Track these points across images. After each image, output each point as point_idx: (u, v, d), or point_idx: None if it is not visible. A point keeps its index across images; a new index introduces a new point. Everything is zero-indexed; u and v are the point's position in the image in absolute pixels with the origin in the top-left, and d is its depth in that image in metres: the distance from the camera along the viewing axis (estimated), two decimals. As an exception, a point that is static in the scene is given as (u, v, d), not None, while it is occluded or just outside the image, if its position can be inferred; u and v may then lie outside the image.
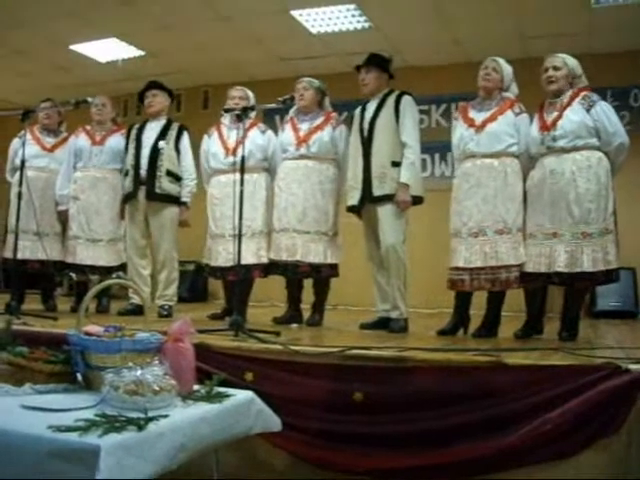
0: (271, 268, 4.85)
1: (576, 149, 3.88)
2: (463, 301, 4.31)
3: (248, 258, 4.62)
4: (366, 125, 4.60)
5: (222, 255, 4.90)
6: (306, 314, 4.99)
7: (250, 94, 5.12)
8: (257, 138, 4.93)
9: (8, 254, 4.80)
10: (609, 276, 3.88)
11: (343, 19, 6.78)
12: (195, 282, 7.98)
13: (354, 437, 2.92)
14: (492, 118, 4.16)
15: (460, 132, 4.29)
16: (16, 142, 5.39)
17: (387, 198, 4.48)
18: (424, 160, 7.49)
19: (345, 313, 6.20)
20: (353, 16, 6.69)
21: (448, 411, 2.85)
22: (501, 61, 4.28)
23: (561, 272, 3.85)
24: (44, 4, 6.35)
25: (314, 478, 2.94)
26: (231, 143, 4.92)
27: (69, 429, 1.85)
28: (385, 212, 4.50)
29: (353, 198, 4.64)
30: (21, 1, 6.26)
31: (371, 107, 4.64)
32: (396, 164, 4.47)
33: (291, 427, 2.80)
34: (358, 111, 4.75)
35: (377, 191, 4.49)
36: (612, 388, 2.69)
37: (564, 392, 2.73)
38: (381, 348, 3.26)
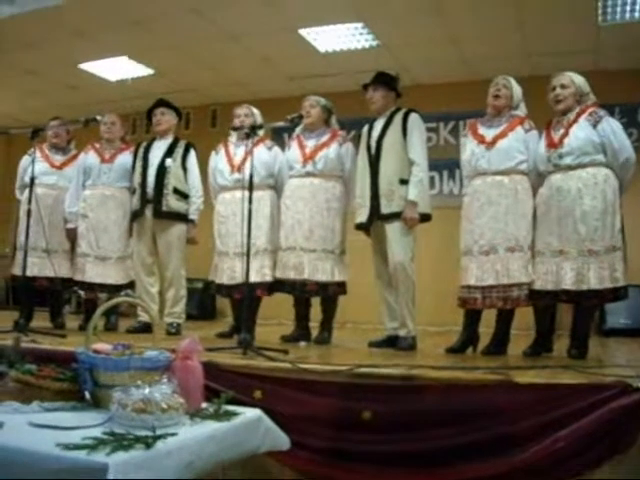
0: (278, 286, 4.85)
1: (582, 166, 3.88)
2: (472, 319, 4.29)
3: (251, 276, 4.61)
4: (373, 143, 4.61)
5: (226, 273, 4.92)
6: (314, 332, 4.97)
7: (255, 111, 5.15)
8: (263, 155, 4.93)
9: (17, 271, 4.82)
10: (617, 294, 3.84)
11: (351, 37, 6.85)
12: (203, 300, 7.98)
13: (363, 456, 2.89)
14: (502, 134, 4.16)
15: (471, 149, 4.29)
16: (25, 160, 5.42)
17: (395, 216, 4.47)
18: (432, 178, 7.50)
19: (353, 331, 6.19)
20: (361, 34, 6.74)
21: (457, 430, 2.82)
22: (512, 80, 4.29)
23: (568, 290, 3.83)
24: (54, 25, 6.44)
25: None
26: (237, 160, 4.97)
27: (77, 447, 1.85)
28: (393, 230, 4.49)
29: (361, 216, 4.64)
30: (31, 22, 6.35)
31: (378, 125, 4.65)
32: (404, 182, 4.47)
33: (299, 445, 2.78)
34: (366, 129, 4.76)
35: (385, 209, 4.49)
36: (623, 406, 2.66)
37: (574, 410, 2.70)
38: (389, 366, 3.24)
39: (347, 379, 3.07)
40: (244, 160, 4.77)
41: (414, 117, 4.59)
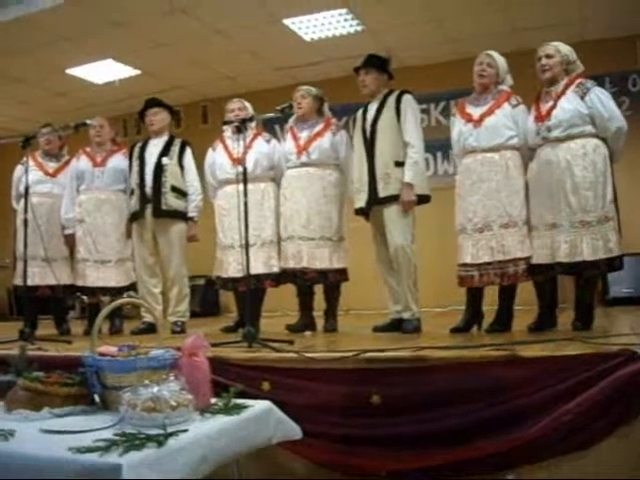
0: (282, 277, 4.86)
1: (571, 138, 3.87)
2: (475, 297, 4.30)
3: (259, 268, 4.64)
4: (368, 127, 4.60)
5: (232, 266, 4.90)
6: (319, 321, 4.98)
7: (248, 105, 5.15)
8: (262, 147, 4.95)
9: (18, 281, 4.82)
10: (612, 264, 3.84)
11: (336, 24, 6.81)
12: (206, 296, 7.98)
13: (374, 440, 2.90)
14: (490, 112, 4.15)
15: (459, 128, 4.28)
16: (19, 169, 5.41)
17: (392, 199, 4.47)
18: (427, 159, 7.47)
19: (358, 317, 6.19)
20: (345, 20, 6.72)
21: (467, 408, 2.83)
22: (495, 55, 4.28)
23: (562, 262, 3.83)
24: (37, 31, 6.40)
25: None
26: (237, 153, 4.92)
27: (89, 450, 1.86)
28: (391, 213, 4.50)
29: (360, 200, 4.64)
30: (13, 29, 6.31)
31: (372, 108, 4.64)
32: (399, 164, 4.47)
33: (310, 434, 2.78)
34: (360, 113, 4.75)
35: (382, 192, 4.49)
36: (629, 374, 2.67)
37: (581, 381, 2.72)
38: (396, 349, 3.25)
39: (354, 365, 3.08)
40: (244, 153, 4.76)
41: (407, 98, 4.58)
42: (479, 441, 2.76)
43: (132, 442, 1.91)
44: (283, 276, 4.85)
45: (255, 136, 4.91)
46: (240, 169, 4.33)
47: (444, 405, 2.87)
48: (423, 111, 7.67)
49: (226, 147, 5.10)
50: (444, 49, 7.29)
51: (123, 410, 2.20)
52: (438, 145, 7.40)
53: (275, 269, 4.83)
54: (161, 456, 1.90)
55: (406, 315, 4.51)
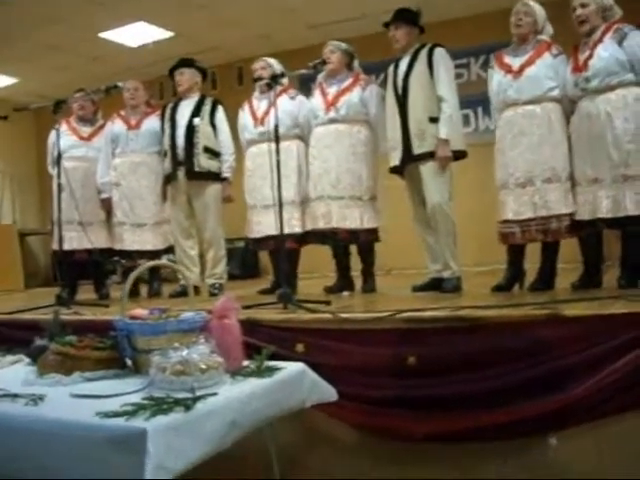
0: (310, 238, 4.81)
1: (610, 88, 3.68)
2: (516, 255, 4.18)
3: (276, 229, 4.59)
4: (400, 82, 4.45)
5: (257, 227, 4.91)
6: (358, 282, 4.91)
7: (272, 62, 5.07)
8: (286, 105, 4.83)
9: (55, 246, 4.84)
10: None
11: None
12: (246, 258, 7.99)
13: (410, 402, 2.84)
14: (530, 62, 3.98)
15: (498, 79, 4.12)
16: (53, 135, 5.39)
17: (428, 155, 4.34)
18: (467, 115, 7.34)
19: (398, 277, 6.11)
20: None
21: (507, 369, 2.74)
22: (532, 3, 4.10)
23: (604, 218, 3.70)
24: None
25: (372, 447, 2.89)
26: (260, 113, 4.92)
27: (116, 414, 1.84)
28: (427, 170, 4.37)
29: (394, 159, 4.52)
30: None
31: (403, 63, 4.49)
32: (434, 120, 4.33)
33: (345, 396, 2.74)
34: (391, 69, 4.60)
35: (417, 149, 4.36)
36: (679, 332, 2.56)
37: (627, 341, 2.60)
38: (433, 309, 3.16)
39: (390, 325, 3.01)
40: (267, 112, 4.69)
41: (439, 51, 4.43)
42: (519, 403, 2.67)
43: (159, 406, 1.89)
44: (308, 236, 4.80)
45: (280, 93, 4.76)
46: (262, 129, 4.25)
47: (483, 366, 2.78)
48: (463, 66, 7.52)
49: (251, 107, 5.05)
50: (484, 2, 7.03)
51: (152, 373, 2.18)
52: (478, 100, 7.14)
53: (297, 229, 4.77)
54: (189, 420, 1.87)
55: (446, 274, 4.42)
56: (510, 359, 2.77)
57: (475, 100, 7.10)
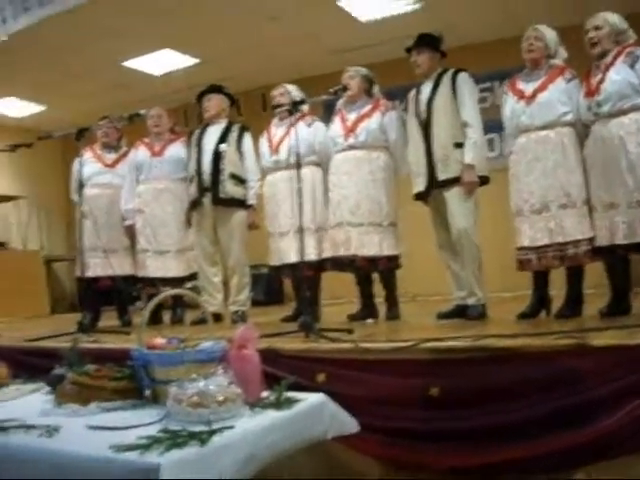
0: (327, 265, 4.77)
1: (623, 112, 3.62)
2: (540, 281, 4.11)
3: (294, 256, 4.58)
4: (423, 107, 4.42)
5: (276, 254, 4.93)
6: (382, 308, 4.85)
7: (291, 88, 5.08)
8: (302, 132, 4.73)
9: (79, 273, 4.86)
10: None
11: (393, 2, 6.61)
12: (270, 284, 7.94)
13: (433, 434, 2.77)
14: (542, 87, 3.94)
15: (511, 105, 4.11)
16: (77, 162, 5.44)
17: (453, 181, 4.30)
18: (491, 140, 7.25)
19: (423, 304, 6.03)
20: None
21: (532, 401, 2.67)
22: (542, 28, 4.06)
23: (621, 244, 3.62)
24: (91, 27, 6.44)
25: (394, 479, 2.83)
26: (275, 141, 4.93)
27: (130, 448, 1.81)
28: (452, 196, 4.32)
29: (418, 185, 4.48)
30: (68, 25, 6.35)
31: (426, 89, 4.46)
32: (459, 145, 4.29)
33: (367, 428, 2.68)
34: (412, 94, 4.58)
35: (442, 175, 4.32)
36: None
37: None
38: (455, 338, 3.10)
39: (412, 355, 2.95)
40: (281, 140, 4.69)
41: (463, 76, 4.40)
42: (545, 437, 2.60)
43: (174, 440, 1.85)
44: (326, 263, 4.77)
45: (297, 120, 4.73)
46: (276, 157, 4.21)
47: (507, 398, 2.71)
48: (487, 90, 7.47)
49: (269, 134, 5.07)
50: (507, 25, 6.99)
51: (169, 405, 2.15)
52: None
53: (312, 257, 4.72)
54: (204, 454, 1.83)
55: (471, 301, 4.35)
56: (534, 391, 2.70)
57: (499, 124, 7.02)
